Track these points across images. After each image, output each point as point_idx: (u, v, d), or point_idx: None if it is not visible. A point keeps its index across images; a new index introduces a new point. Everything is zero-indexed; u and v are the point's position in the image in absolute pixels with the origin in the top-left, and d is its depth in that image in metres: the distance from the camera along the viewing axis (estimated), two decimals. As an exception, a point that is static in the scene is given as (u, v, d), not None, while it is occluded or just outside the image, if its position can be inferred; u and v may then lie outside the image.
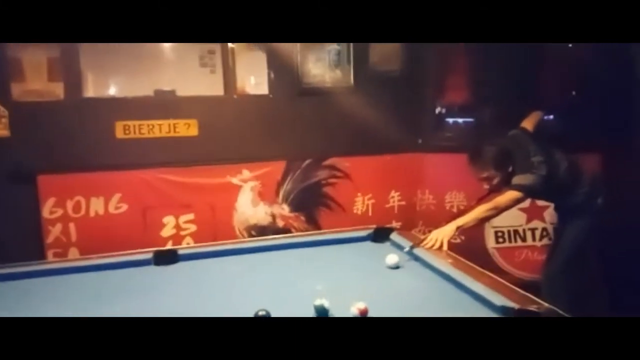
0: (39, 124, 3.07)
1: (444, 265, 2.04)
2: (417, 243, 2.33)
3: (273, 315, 1.61)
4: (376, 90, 3.52)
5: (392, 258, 2.15)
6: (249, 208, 3.51)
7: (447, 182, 3.61)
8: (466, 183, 3.38)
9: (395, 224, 3.46)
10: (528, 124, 2.75)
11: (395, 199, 3.73)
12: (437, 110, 3.85)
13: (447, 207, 3.59)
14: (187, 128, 3.34)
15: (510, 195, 2.41)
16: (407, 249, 2.27)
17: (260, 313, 1.61)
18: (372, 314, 1.64)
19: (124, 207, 3.24)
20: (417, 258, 2.22)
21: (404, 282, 2.03)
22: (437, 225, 2.49)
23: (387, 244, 2.48)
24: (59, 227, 3.14)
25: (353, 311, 1.64)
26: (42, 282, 2.12)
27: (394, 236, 2.51)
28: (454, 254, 2.21)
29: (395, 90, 3.57)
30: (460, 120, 3.92)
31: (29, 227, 3.10)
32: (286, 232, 3.49)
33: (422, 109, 3.71)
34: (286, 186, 3.58)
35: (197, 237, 3.35)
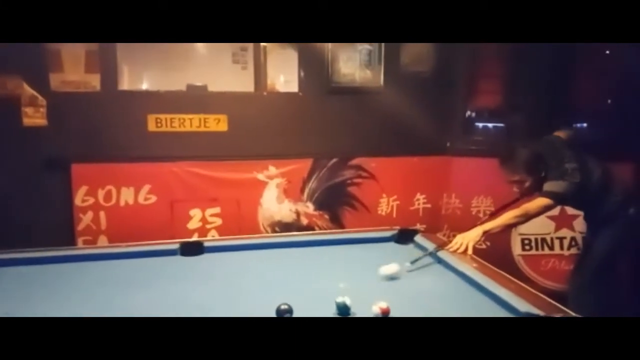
0: (75, 114, 3.16)
1: (469, 269, 2.01)
2: (441, 246, 2.31)
3: (295, 310, 1.63)
4: (406, 91, 3.50)
5: (391, 268, 1.99)
6: (274, 204, 3.54)
7: (474, 187, 3.57)
8: (494, 188, 3.34)
9: (419, 227, 3.43)
10: (561, 134, 2.71)
11: (420, 201, 3.70)
12: (467, 113, 3.81)
13: (473, 212, 3.55)
14: (217, 123, 3.39)
15: (541, 202, 2.36)
16: (420, 254, 2.23)
17: (283, 307, 1.62)
18: (393, 314, 1.63)
19: (153, 198, 3.31)
20: (441, 261, 2.20)
21: (427, 284, 2.02)
22: (463, 229, 2.46)
23: (411, 245, 2.47)
24: (89, 215, 3.23)
25: (375, 310, 1.64)
26: (71, 267, 2.19)
27: (418, 238, 2.49)
28: (478, 259, 2.18)
29: (425, 91, 3.55)
30: (490, 125, 3.87)
31: (61, 214, 3.20)
32: (310, 230, 3.50)
33: (452, 112, 3.68)
34: (311, 184, 3.59)
35: (222, 231, 3.40)
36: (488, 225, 2.40)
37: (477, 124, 3.86)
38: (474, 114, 3.84)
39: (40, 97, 3.12)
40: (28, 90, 3.11)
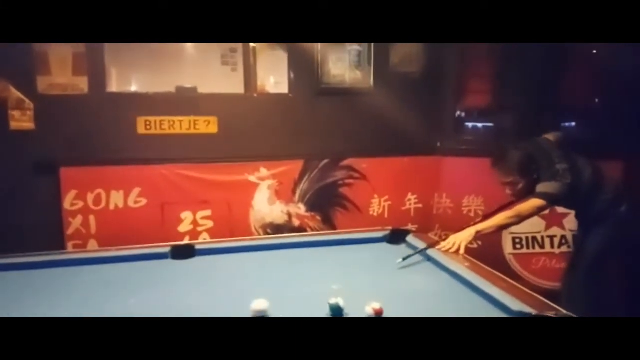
0: (63, 118, 3.13)
1: (461, 268, 2.02)
2: (432, 245, 2.31)
3: (288, 313, 1.62)
4: (396, 91, 3.51)
5: (260, 304, 1.69)
6: (266, 206, 3.53)
7: (465, 186, 3.59)
8: (484, 188, 3.36)
9: (411, 227, 3.44)
10: (550, 137, 2.72)
11: (412, 201, 3.71)
12: (457, 113, 3.83)
13: (464, 212, 3.56)
14: (207, 125, 3.37)
15: (534, 203, 2.37)
16: (408, 255, 2.24)
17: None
18: (386, 314, 1.63)
19: (143, 201, 3.28)
20: (433, 260, 2.20)
21: (420, 284, 2.02)
22: (454, 229, 2.47)
23: (403, 246, 2.47)
24: (79, 219, 3.19)
25: (368, 311, 1.63)
26: (61, 272, 2.16)
27: (410, 238, 2.50)
28: (470, 258, 2.19)
29: (415, 92, 3.56)
30: (479, 124, 3.89)
31: (50, 218, 3.16)
32: (302, 232, 3.50)
33: (442, 112, 3.69)
34: (303, 185, 3.59)
35: (213, 234, 3.38)
36: (481, 226, 2.41)
37: (467, 123, 3.88)
38: (463, 114, 3.86)
39: (27, 101, 3.09)
40: (15, 93, 3.07)
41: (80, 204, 3.19)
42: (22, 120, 3.09)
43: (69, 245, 3.18)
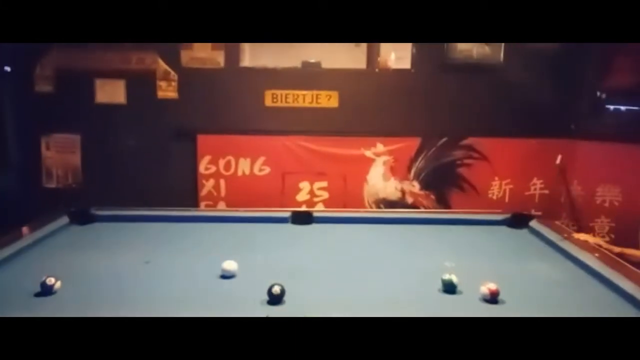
0: (202, 89, 3.43)
1: (589, 258, 1.88)
2: (565, 236, 2.15)
3: (400, 285, 1.65)
4: (528, 68, 3.29)
5: (230, 264, 1.79)
6: (380, 182, 3.56)
7: (601, 174, 3.27)
8: (623, 176, 3.06)
9: (535, 213, 3.24)
10: None
11: (537, 186, 3.49)
12: (597, 94, 3.47)
13: (597, 201, 3.26)
14: (329, 99, 3.47)
15: None
16: (534, 240, 2.09)
17: (275, 288, 1.53)
18: (502, 297, 1.58)
19: (267, 169, 3.51)
20: (558, 247, 2.07)
21: (541, 270, 1.92)
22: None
23: (525, 230, 2.36)
24: (211, 182, 3.52)
25: (483, 291, 1.60)
26: (194, 226, 2.40)
27: (533, 224, 2.37)
28: (601, 249, 2.02)
29: (550, 68, 3.31)
30: (623, 107, 3.50)
31: (186, 180, 3.51)
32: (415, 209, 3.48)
33: (580, 92, 3.38)
34: (419, 163, 3.55)
35: (328, 204, 3.51)
36: (630, 251, 2.16)
37: (608, 106, 3.51)
38: (604, 95, 3.49)
39: (172, 72, 3.43)
40: (162, 65, 3.43)
41: (213, 169, 3.51)
42: (167, 90, 3.45)
43: (202, 205, 3.52)
